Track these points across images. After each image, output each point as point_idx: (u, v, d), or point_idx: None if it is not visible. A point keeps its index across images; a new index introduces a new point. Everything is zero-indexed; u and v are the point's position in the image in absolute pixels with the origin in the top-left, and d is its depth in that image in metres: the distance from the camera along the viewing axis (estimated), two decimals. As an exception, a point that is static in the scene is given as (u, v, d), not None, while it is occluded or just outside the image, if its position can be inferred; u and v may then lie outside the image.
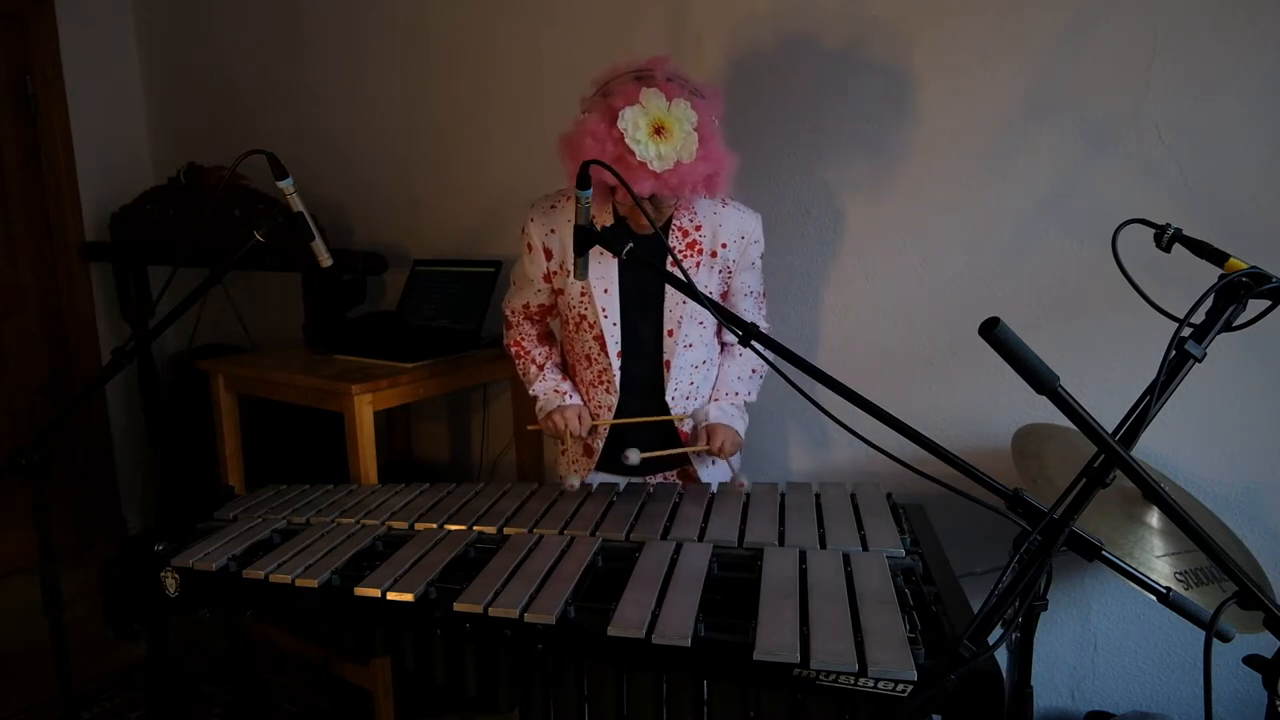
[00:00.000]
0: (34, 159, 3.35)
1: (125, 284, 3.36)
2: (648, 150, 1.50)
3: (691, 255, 1.75)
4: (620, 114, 1.50)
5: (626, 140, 1.50)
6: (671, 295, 1.77)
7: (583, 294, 1.77)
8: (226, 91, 3.37)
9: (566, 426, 1.80)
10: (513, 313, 1.95)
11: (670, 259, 1.64)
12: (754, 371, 1.89)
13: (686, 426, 1.85)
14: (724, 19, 2.20)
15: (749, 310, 1.87)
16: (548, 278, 1.82)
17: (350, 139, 3.04)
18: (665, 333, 1.78)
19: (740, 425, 1.85)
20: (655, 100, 1.51)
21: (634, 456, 1.73)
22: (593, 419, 1.85)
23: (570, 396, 1.86)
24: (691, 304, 1.73)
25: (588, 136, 1.54)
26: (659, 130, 1.51)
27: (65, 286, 3.46)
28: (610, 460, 1.89)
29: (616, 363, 1.79)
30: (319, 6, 3.01)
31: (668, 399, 1.82)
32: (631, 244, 1.37)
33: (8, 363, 3.36)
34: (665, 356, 1.80)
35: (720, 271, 1.79)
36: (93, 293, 3.54)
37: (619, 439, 1.86)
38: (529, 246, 1.81)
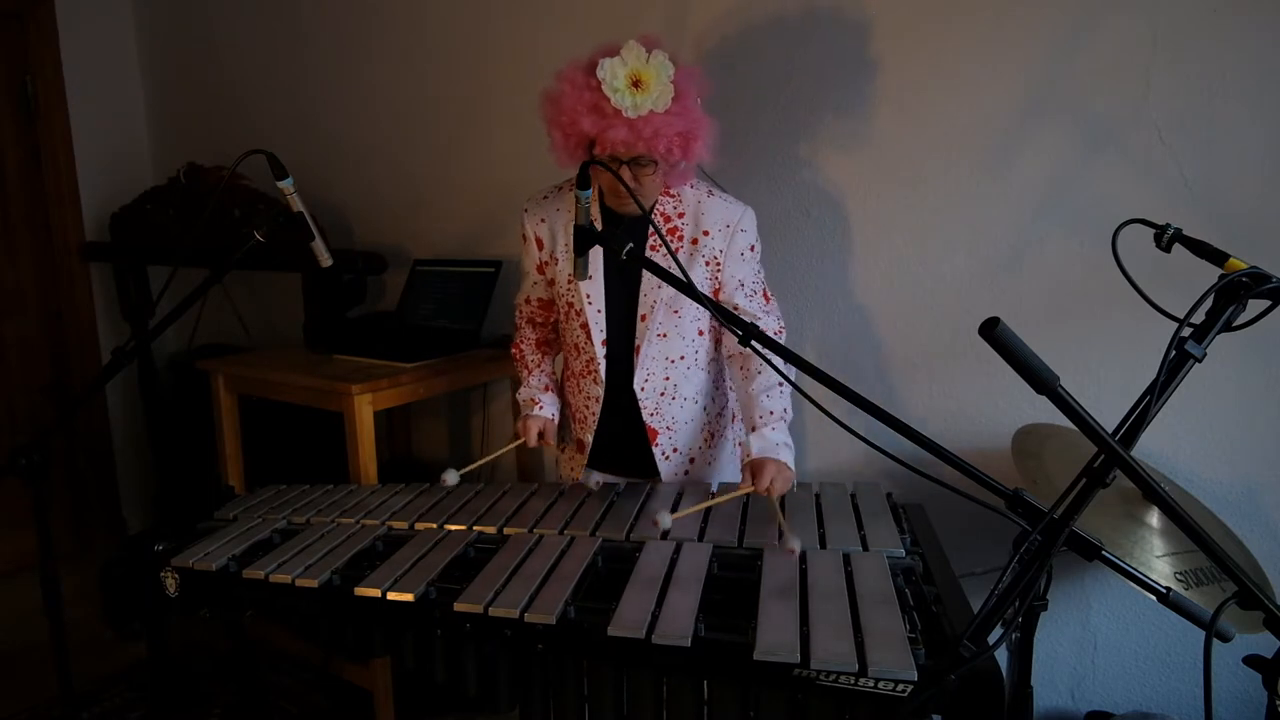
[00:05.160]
0: (34, 159, 3.35)
1: (125, 284, 3.37)
2: (624, 99, 1.51)
3: (671, 241, 1.71)
4: (599, 63, 1.52)
5: (604, 88, 1.51)
6: (648, 279, 1.71)
7: (570, 280, 1.77)
8: (226, 91, 3.36)
9: (526, 437, 1.86)
10: (519, 313, 1.98)
11: (659, 240, 1.63)
12: (780, 386, 1.70)
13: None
14: (723, 19, 2.20)
15: (743, 306, 1.75)
16: (540, 268, 1.84)
17: (350, 139, 3.04)
18: (638, 317, 1.75)
19: (788, 456, 1.63)
20: (635, 52, 1.52)
21: (665, 520, 1.52)
22: (578, 425, 1.87)
23: (541, 408, 1.88)
24: (668, 291, 1.70)
25: (566, 83, 1.56)
26: (637, 84, 1.52)
27: (65, 287, 3.46)
28: (604, 460, 1.89)
29: (601, 351, 1.78)
30: (319, 7, 3.01)
31: (636, 389, 1.78)
32: (632, 244, 1.37)
33: (8, 363, 3.36)
34: (635, 341, 1.76)
35: (707, 263, 1.72)
36: (93, 293, 3.54)
37: (610, 438, 1.86)
38: (524, 238, 1.83)
